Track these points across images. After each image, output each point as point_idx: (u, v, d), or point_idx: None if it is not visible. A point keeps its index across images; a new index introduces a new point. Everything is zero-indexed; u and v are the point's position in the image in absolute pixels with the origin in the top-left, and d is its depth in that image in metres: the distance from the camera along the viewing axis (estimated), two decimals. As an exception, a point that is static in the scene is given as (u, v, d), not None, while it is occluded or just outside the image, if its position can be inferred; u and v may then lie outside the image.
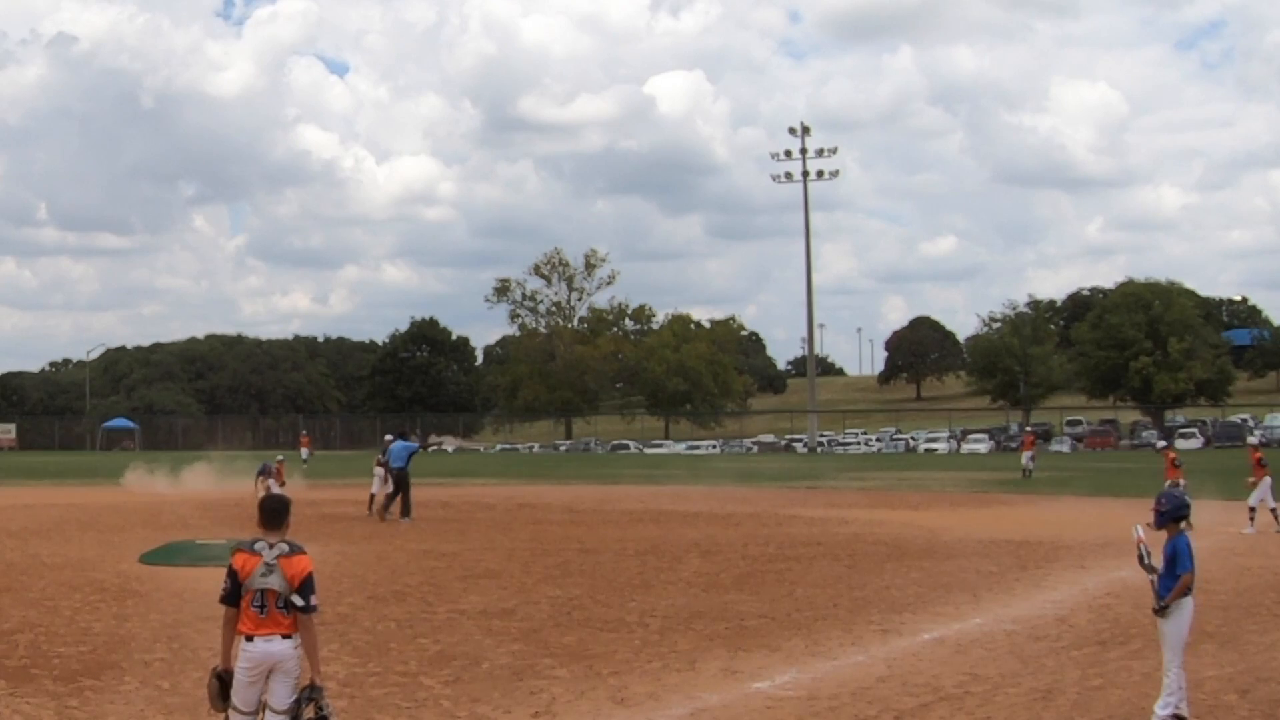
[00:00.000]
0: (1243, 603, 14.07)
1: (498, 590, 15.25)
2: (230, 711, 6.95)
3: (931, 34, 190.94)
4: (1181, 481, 23.92)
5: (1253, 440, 24.11)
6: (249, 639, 6.87)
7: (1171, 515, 8.65)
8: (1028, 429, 61.95)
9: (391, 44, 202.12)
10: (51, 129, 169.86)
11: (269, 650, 6.84)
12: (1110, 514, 27.10)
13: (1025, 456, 44.72)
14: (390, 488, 26.11)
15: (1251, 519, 22.39)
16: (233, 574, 6.97)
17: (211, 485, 36.93)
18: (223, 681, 6.99)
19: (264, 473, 35.55)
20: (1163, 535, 8.70)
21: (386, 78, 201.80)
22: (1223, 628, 12.38)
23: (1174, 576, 8.48)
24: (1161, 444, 24.80)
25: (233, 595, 6.94)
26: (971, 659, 10.89)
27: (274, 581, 6.88)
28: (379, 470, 27.37)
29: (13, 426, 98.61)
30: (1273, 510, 22.63)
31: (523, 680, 10.11)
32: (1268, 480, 22.57)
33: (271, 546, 6.98)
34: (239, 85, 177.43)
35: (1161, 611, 8.55)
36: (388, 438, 27.12)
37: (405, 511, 25.71)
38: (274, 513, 7.16)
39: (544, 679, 10.16)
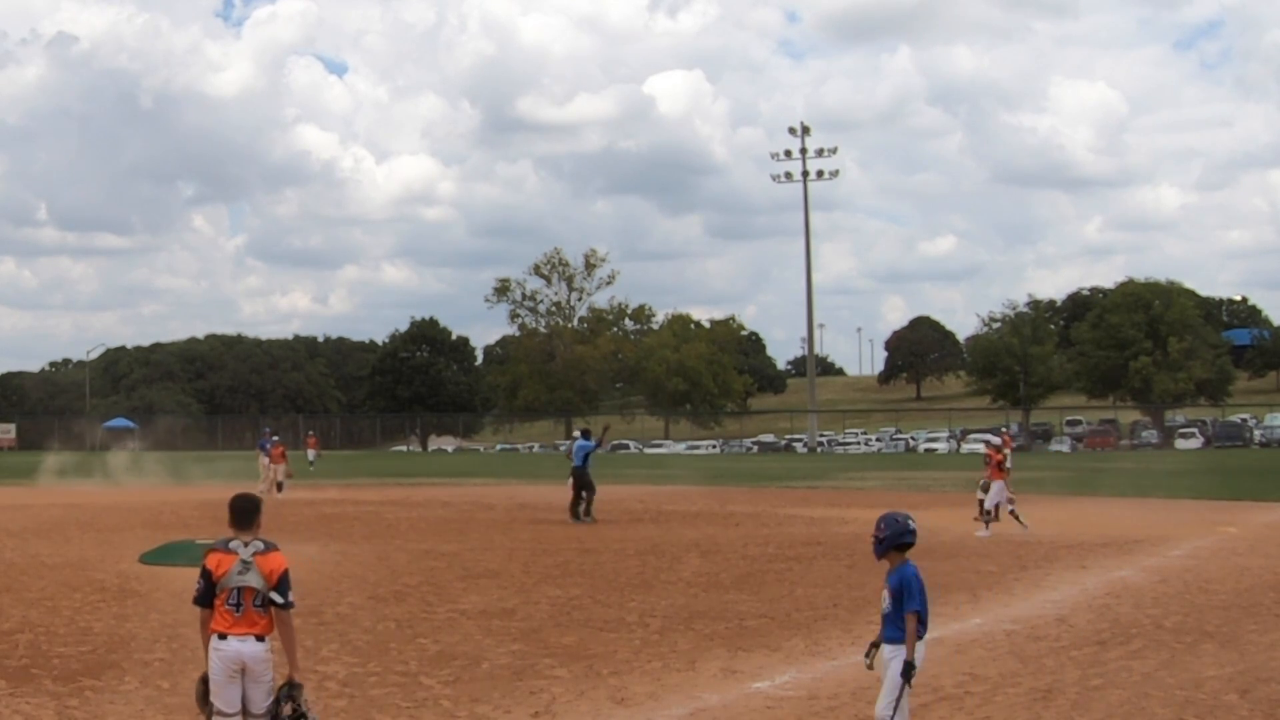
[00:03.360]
0: (1243, 603, 14.07)
1: (498, 590, 15.24)
2: (215, 716, 6.89)
3: (930, 34, 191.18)
4: (995, 483, 22.24)
5: (995, 440, 24.05)
6: (222, 637, 6.85)
7: (892, 542, 7.34)
8: (1002, 428, 62.60)
9: (390, 44, 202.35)
10: (51, 129, 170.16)
11: (241, 650, 6.82)
12: (1111, 514, 27.13)
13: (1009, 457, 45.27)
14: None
15: (987, 522, 22.15)
16: (206, 574, 6.92)
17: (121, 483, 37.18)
18: (206, 685, 6.96)
19: (264, 450, 35.89)
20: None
21: (386, 78, 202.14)
22: (1223, 628, 12.39)
23: (901, 615, 7.25)
24: (995, 440, 24.21)
25: (206, 595, 6.92)
26: (971, 659, 10.89)
27: (252, 579, 6.87)
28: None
29: (12, 426, 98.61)
30: (1004, 509, 22.35)
31: (523, 680, 10.11)
32: (1003, 483, 22.45)
33: (246, 545, 6.98)
34: (238, 85, 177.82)
35: (907, 673, 7.18)
36: (575, 435, 26.61)
37: (585, 511, 25.36)
38: (245, 512, 7.15)
39: (544, 679, 10.15)
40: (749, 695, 9.64)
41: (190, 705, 9.22)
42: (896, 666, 7.20)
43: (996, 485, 22.41)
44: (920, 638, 7.27)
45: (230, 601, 6.85)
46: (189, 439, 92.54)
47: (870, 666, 7.51)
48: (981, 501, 22.92)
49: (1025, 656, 10.98)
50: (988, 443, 24.67)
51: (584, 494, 25.47)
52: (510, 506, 30.48)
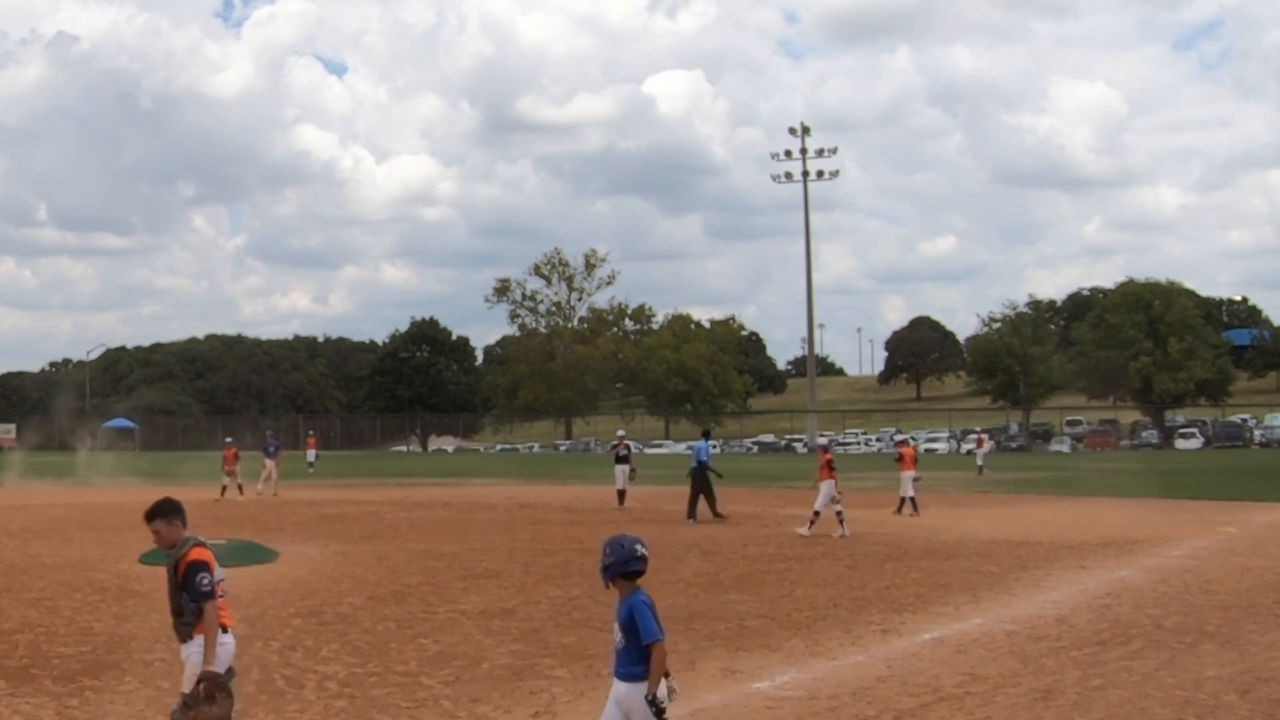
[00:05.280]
0: (1243, 603, 14.06)
1: (498, 590, 15.24)
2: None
3: (930, 34, 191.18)
4: (825, 483, 22.76)
5: (822, 441, 24.33)
6: (224, 630, 6.88)
7: (618, 569, 6.50)
8: (979, 429, 63.41)
9: (390, 44, 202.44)
10: (51, 129, 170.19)
11: (232, 643, 6.91)
12: (1110, 514, 27.13)
13: (979, 455, 47.20)
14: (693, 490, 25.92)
15: (811, 522, 22.39)
16: (206, 566, 6.89)
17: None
18: (212, 684, 6.75)
19: (270, 454, 36.08)
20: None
21: (385, 78, 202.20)
22: (1223, 628, 12.39)
23: (638, 649, 6.42)
24: (821, 440, 24.73)
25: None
26: (971, 659, 10.89)
27: (221, 572, 6.98)
28: (620, 467, 29.00)
29: (13, 426, 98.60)
30: (836, 513, 22.50)
31: (523, 680, 10.11)
32: (832, 483, 22.66)
33: (205, 540, 7.05)
34: (238, 86, 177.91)
35: (656, 706, 6.34)
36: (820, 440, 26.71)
37: (714, 512, 25.46)
38: (184, 511, 7.10)
39: (544, 679, 10.15)
40: (749, 695, 9.64)
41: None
42: (634, 705, 6.40)
43: (826, 485, 22.71)
44: (666, 674, 6.42)
45: (221, 594, 6.91)
46: (189, 439, 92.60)
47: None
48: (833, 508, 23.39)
49: (1025, 656, 10.98)
50: (822, 446, 25.32)
51: (702, 495, 25.69)
52: (510, 506, 30.48)
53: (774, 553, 19.31)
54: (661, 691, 6.38)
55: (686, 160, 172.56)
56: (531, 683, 10.01)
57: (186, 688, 6.73)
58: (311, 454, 54.01)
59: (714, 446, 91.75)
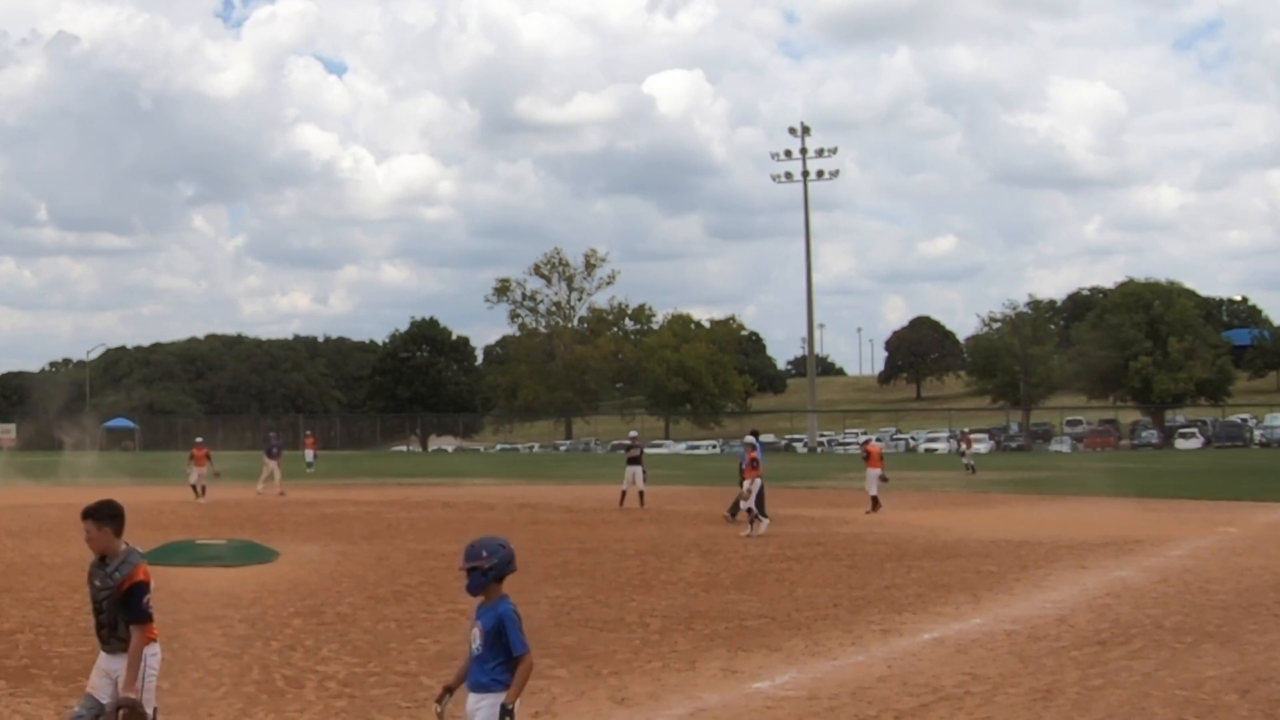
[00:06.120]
0: (1243, 603, 14.06)
1: (498, 590, 15.22)
2: None
3: (929, 34, 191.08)
4: (751, 483, 22.92)
5: (749, 440, 24.55)
6: (154, 641, 6.77)
7: (500, 572, 6.11)
8: (963, 430, 63.89)
9: (390, 44, 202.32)
10: (51, 129, 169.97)
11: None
12: (1110, 514, 27.12)
13: (966, 454, 48.35)
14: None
15: (752, 522, 22.49)
16: (148, 587, 6.64)
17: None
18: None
19: (272, 454, 35.95)
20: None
21: (385, 78, 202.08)
22: (1223, 628, 12.39)
23: (501, 660, 6.06)
24: (750, 439, 24.93)
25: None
26: (971, 659, 10.89)
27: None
28: (632, 469, 28.88)
29: (13, 426, 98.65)
30: (749, 511, 22.72)
31: (523, 680, 10.10)
32: (759, 482, 22.85)
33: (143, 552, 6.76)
34: (238, 86, 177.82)
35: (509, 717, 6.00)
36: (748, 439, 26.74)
37: (733, 511, 25.21)
38: (124, 518, 6.77)
39: (544, 679, 10.15)
40: (749, 695, 9.64)
41: (190, 705, 9.26)
42: (484, 716, 6.03)
43: (751, 483, 22.89)
44: (506, 685, 6.08)
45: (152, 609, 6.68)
46: (189, 439, 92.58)
47: (440, 716, 6.27)
48: (740, 502, 23.57)
49: (1025, 656, 10.98)
50: (749, 444, 25.31)
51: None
52: (510, 506, 30.49)
53: (774, 553, 19.31)
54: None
55: (686, 160, 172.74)
56: (531, 683, 9.98)
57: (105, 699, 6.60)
58: (310, 454, 54.06)
59: (714, 446, 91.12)
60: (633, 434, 32.82)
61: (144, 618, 6.53)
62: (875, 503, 27.21)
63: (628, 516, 26.77)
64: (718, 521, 25.20)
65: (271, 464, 35.36)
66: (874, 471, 27.59)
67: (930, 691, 9.62)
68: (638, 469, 28.98)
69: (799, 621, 12.93)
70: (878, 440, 36.82)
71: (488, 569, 6.08)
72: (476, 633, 6.10)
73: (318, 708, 9.24)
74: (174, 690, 9.73)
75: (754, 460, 23.21)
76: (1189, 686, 9.73)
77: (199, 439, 35.30)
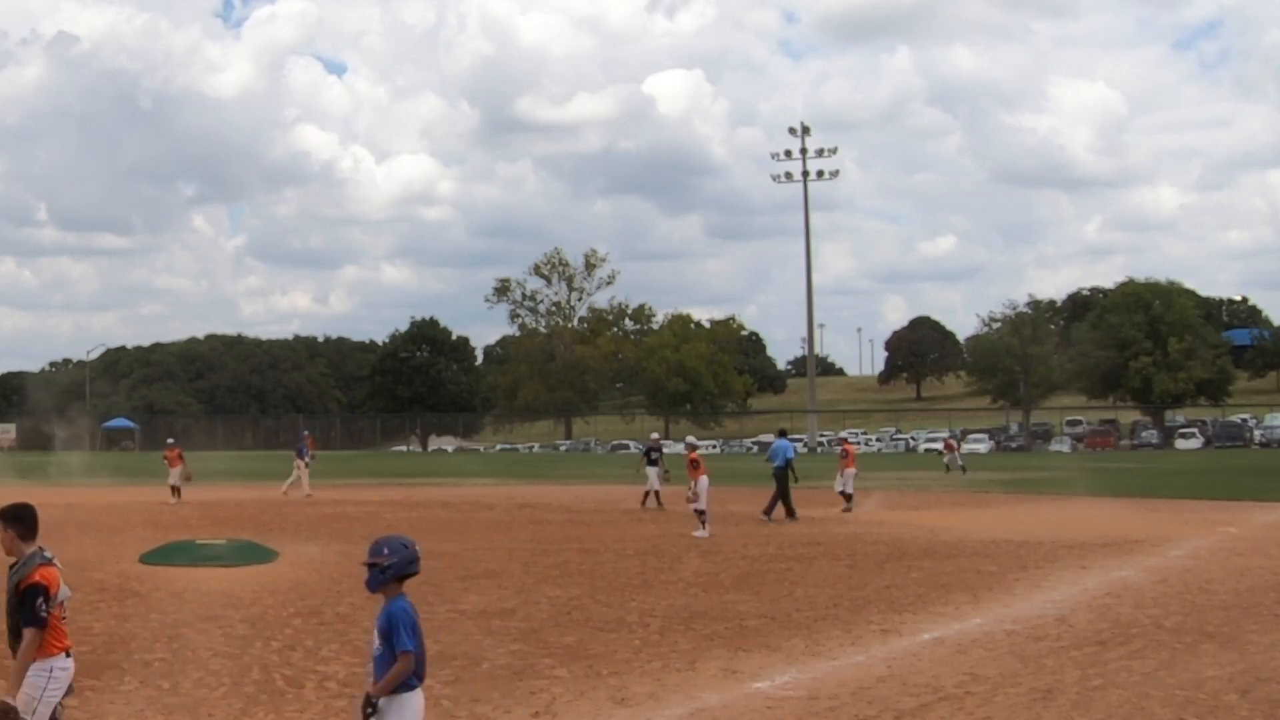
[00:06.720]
0: (1243, 603, 14.06)
1: (498, 590, 15.24)
2: None
3: (929, 34, 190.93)
4: (697, 483, 23.11)
5: (690, 439, 24.89)
6: (68, 654, 6.51)
7: (399, 571, 6.09)
8: (945, 435, 64.35)
9: (390, 44, 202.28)
10: (51, 129, 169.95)
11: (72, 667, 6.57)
12: (1110, 514, 27.11)
13: (953, 458, 49.26)
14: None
15: (703, 522, 22.63)
16: (45, 591, 6.34)
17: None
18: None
19: (302, 454, 35.58)
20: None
21: (385, 78, 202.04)
22: (1223, 628, 12.38)
23: (394, 658, 6.03)
24: (692, 440, 25.42)
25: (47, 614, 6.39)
26: (971, 659, 10.89)
27: (66, 591, 6.58)
28: (651, 469, 28.92)
29: (12, 426, 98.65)
30: (696, 510, 22.93)
31: (523, 680, 10.10)
32: (704, 480, 23.13)
33: (52, 556, 6.59)
34: (238, 86, 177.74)
35: (371, 710, 5.96)
36: (779, 433, 26.55)
37: (769, 510, 25.48)
38: (36, 521, 6.62)
39: (544, 679, 10.15)
40: (749, 695, 9.64)
41: (190, 705, 9.25)
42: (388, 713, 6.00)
43: (701, 482, 23.13)
44: (413, 687, 6.02)
45: (63, 616, 6.49)
46: (189, 439, 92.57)
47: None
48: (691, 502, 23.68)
49: (1025, 656, 10.98)
50: (689, 445, 25.80)
51: (780, 497, 25.72)
52: (510, 506, 30.49)
53: (774, 553, 19.31)
54: (415, 707, 6.06)
55: (686, 160, 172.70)
56: (531, 683, 10.01)
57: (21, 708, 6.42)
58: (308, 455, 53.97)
59: (713, 446, 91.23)
60: (654, 435, 32.90)
61: (35, 622, 6.33)
62: (848, 499, 27.71)
63: (628, 516, 26.78)
64: (718, 521, 25.19)
65: (299, 462, 34.46)
66: (851, 471, 28.19)
67: (930, 691, 9.62)
68: (658, 469, 28.98)
69: (799, 621, 12.93)
70: (852, 438, 37.15)
71: (386, 567, 6.07)
72: (376, 633, 6.13)
73: (318, 708, 9.24)
74: (174, 690, 9.73)
75: (694, 461, 23.68)
76: (1189, 686, 9.73)
77: (170, 440, 34.86)
